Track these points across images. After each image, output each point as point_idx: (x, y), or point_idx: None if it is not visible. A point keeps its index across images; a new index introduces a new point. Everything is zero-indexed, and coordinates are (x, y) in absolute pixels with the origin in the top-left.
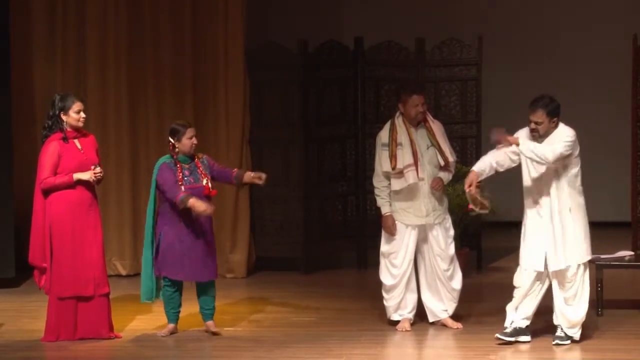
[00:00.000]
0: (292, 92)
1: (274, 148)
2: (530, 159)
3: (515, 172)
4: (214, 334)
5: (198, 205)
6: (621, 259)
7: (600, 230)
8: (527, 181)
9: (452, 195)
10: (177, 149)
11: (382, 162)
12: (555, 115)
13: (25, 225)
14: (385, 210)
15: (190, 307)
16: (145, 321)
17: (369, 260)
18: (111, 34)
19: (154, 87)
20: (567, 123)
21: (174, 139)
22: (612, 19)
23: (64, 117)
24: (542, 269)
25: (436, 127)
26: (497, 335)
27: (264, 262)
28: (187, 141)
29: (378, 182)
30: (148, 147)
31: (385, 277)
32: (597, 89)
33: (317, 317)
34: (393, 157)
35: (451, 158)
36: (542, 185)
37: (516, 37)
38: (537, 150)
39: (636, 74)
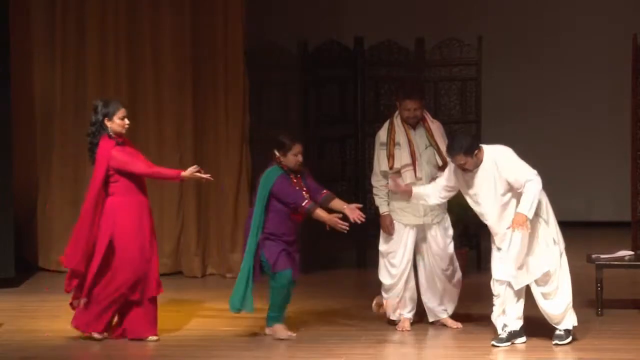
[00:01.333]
0: (292, 92)
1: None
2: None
3: None
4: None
5: (326, 218)
6: (621, 259)
7: (600, 230)
8: (479, 212)
9: None
10: (281, 163)
11: (380, 161)
12: (474, 148)
13: (26, 225)
14: (383, 209)
15: (191, 307)
16: None
17: (369, 259)
18: (111, 33)
19: (154, 87)
20: (568, 123)
21: (279, 152)
22: (612, 19)
23: (108, 124)
24: (513, 280)
25: (435, 127)
26: (493, 342)
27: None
28: (293, 157)
29: (376, 181)
30: (148, 147)
31: (384, 277)
32: (596, 89)
33: (317, 317)
34: (391, 156)
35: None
36: (493, 212)
37: (516, 37)
38: (533, 200)
39: (636, 74)
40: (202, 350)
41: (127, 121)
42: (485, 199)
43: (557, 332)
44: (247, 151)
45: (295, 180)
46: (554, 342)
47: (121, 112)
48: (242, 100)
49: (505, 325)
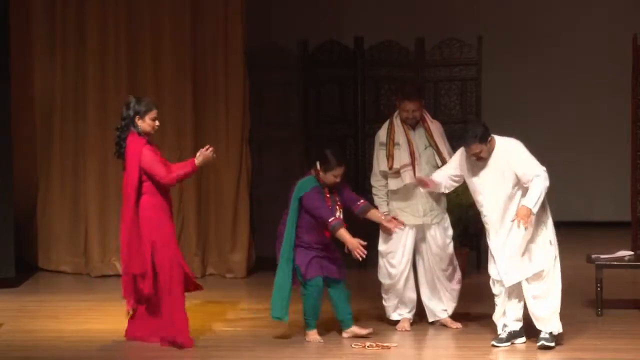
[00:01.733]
0: (292, 92)
1: (274, 148)
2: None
3: None
4: (364, 336)
5: (349, 240)
6: (621, 259)
7: (600, 230)
8: (481, 203)
9: (451, 195)
10: (318, 176)
11: (380, 161)
12: (487, 136)
13: (26, 225)
14: (382, 209)
15: (190, 308)
16: None
17: (369, 260)
18: (111, 34)
19: (154, 87)
20: (568, 122)
21: (320, 167)
22: (612, 19)
23: (138, 122)
24: (505, 277)
25: (434, 127)
26: (493, 342)
27: (264, 262)
28: (332, 177)
29: (376, 181)
30: None
31: (384, 277)
32: (596, 89)
33: None
34: (390, 156)
35: (449, 158)
36: (495, 204)
37: (516, 37)
38: (540, 196)
39: (636, 74)
40: (203, 350)
41: (157, 122)
42: (492, 190)
43: (542, 334)
44: (247, 151)
45: (328, 195)
46: (539, 344)
47: (153, 112)
48: (242, 100)
49: (505, 326)
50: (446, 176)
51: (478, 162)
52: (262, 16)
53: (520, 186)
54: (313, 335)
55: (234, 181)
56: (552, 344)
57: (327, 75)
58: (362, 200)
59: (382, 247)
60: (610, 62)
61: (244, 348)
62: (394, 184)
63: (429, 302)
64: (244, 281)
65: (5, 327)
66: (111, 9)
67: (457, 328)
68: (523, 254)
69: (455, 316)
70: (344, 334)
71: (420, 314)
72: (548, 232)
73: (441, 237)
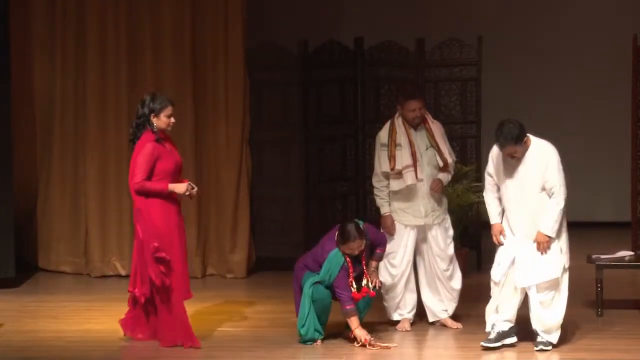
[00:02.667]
0: (292, 92)
1: (274, 148)
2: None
3: None
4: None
5: (356, 329)
6: (621, 259)
7: (600, 230)
8: (508, 203)
9: (451, 195)
10: (340, 248)
11: (381, 162)
12: (523, 136)
13: (26, 225)
14: (384, 210)
15: (191, 308)
16: None
17: None
18: (111, 34)
19: (154, 87)
20: (568, 122)
21: (339, 240)
22: (612, 19)
23: (153, 120)
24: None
25: (435, 127)
26: (482, 343)
27: (264, 262)
28: (348, 251)
29: (377, 182)
30: None
31: (384, 277)
32: (597, 89)
33: None
34: (392, 157)
35: (450, 159)
36: (522, 202)
37: (516, 37)
38: (557, 222)
39: (636, 74)
40: (202, 351)
41: (172, 119)
42: (524, 187)
43: (540, 338)
44: (247, 151)
45: (351, 266)
46: (537, 348)
47: (168, 109)
48: (242, 100)
49: (494, 325)
50: (495, 195)
51: (512, 160)
52: (262, 16)
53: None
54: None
55: (234, 181)
56: (549, 348)
57: (327, 75)
58: (380, 250)
59: None
60: (610, 62)
61: (244, 348)
62: (395, 184)
63: (429, 302)
64: (244, 281)
65: (5, 327)
66: (111, 9)
67: (457, 328)
68: (539, 259)
69: (455, 316)
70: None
71: (420, 314)
72: (562, 241)
73: (442, 237)
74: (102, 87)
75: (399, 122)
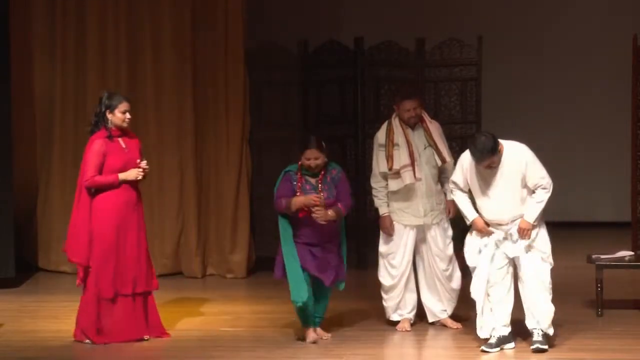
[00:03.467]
0: (292, 92)
1: (274, 148)
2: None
3: None
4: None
5: (301, 199)
6: (621, 259)
7: (601, 230)
8: (486, 213)
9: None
10: (300, 159)
11: (379, 162)
12: (497, 145)
13: (26, 225)
14: (382, 211)
15: (191, 308)
16: None
17: (369, 260)
18: (111, 34)
19: (154, 87)
20: (568, 122)
21: (301, 148)
22: (612, 19)
23: (109, 116)
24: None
25: (433, 127)
26: (483, 348)
27: (264, 262)
28: (306, 161)
29: (375, 182)
30: (148, 147)
31: (384, 278)
32: (597, 89)
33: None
34: (390, 157)
35: (448, 158)
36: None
37: (516, 37)
38: (543, 204)
39: (636, 74)
40: (202, 351)
41: (128, 115)
42: (501, 193)
43: (536, 337)
44: (247, 151)
45: (312, 180)
46: (533, 347)
47: (123, 105)
48: (242, 100)
49: (493, 329)
50: (465, 195)
51: (484, 169)
52: (262, 16)
53: (527, 187)
54: (307, 333)
55: (234, 181)
56: (546, 347)
57: (327, 75)
58: (340, 204)
59: (382, 248)
60: (610, 62)
61: (244, 348)
62: (394, 184)
63: (428, 303)
64: (244, 281)
65: (5, 327)
66: (111, 9)
67: (457, 328)
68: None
69: (455, 316)
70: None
71: (420, 314)
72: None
73: (441, 237)
74: (102, 87)
75: (396, 122)
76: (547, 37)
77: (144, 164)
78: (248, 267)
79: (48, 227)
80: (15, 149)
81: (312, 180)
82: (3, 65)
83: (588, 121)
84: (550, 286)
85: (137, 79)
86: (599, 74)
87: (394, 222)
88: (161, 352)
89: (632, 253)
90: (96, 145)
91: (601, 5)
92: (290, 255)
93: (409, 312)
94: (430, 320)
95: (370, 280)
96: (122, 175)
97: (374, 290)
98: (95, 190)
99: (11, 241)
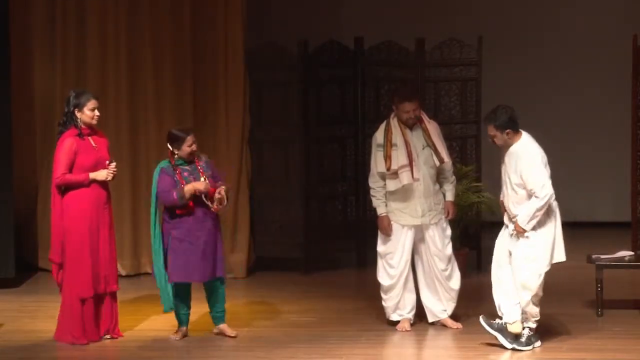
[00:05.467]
0: (292, 92)
1: (274, 148)
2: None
3: None
4: (231, 337)
5: (195, 185)
6: (621, 259)
7: (601, 230)
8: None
9: None
10: (176, 155)
11: (377, 163)
12: (506, 128)
13: (26, 225)
14: (380, 211)
15: (192, 307)
16: (145, 322)
17: (369, 260)
18: (111, 34)
19: (154, 87)
20: (568, 123)
21: (173, 146)
22: (612, 19)
23: (78, 114)
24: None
25: (432, 127)
26: (516, 346)
27: (264, 262)
28: (187, 148)
29: (373, 182)
30: (148, 147)
31: (383, 278)
32: (597, 89)
33: (316, 317)
34: (388, 157)
35: (447, 158)
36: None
37: (516, 37)
38: (533, 216)
39: (636, 74)
40: (202, 350)
41: (97, 112)
42: (508, 187)
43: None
44: (247, 151)
45: (187, 167)
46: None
47: (91, 103)
48: (242, 100)
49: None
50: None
51: (501, 148)
52: (262, 16)
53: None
54: (183, 331)
55: (234, 181)
56: (496, 335)
57: (327, 75)
58: (219, 184)
59: (381, 248)
60: (610, 63)
61: (244, 348)
62: (392, 184)
63: (428, 303)
64: (244, 281)
65: (5, 327)
66: (111, 10)
67: (457, 328)
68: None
69: (455, 316)
70: (218, 330)
71: (420, 314)
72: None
73: (440, 237)
74: (102, 87)
75: (394, 122)
76: (547, 37)
77: (113, 165)
78: (248, 267)
79: (48, 227)
80: (15, 149)
81: (189, 167)
82: (3, 65)
83: (588, 121)
84: (535, 287)
85: (137, 79)
86: (599, 74)
87: (392, 222)
88: (161, 352)
89: (632, 253)
90: (67, 143)
91: (601, 6)
92: (160, 263)
93: (409, 312)
94: (430, 320)
95: (370, 280)
96: (93, 175)
97: (374, 290)
98: (65, 189)
99: (11, 241)
